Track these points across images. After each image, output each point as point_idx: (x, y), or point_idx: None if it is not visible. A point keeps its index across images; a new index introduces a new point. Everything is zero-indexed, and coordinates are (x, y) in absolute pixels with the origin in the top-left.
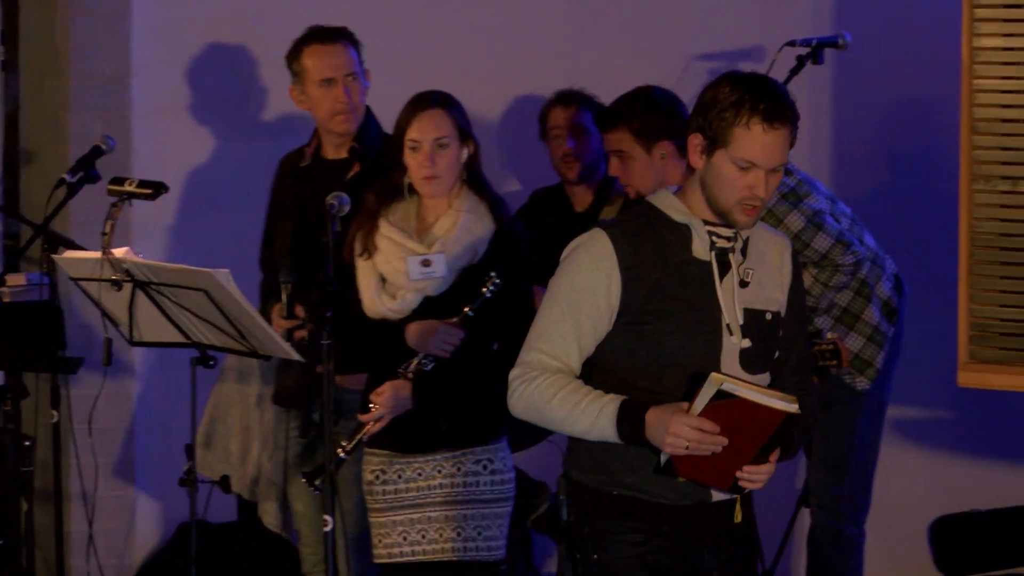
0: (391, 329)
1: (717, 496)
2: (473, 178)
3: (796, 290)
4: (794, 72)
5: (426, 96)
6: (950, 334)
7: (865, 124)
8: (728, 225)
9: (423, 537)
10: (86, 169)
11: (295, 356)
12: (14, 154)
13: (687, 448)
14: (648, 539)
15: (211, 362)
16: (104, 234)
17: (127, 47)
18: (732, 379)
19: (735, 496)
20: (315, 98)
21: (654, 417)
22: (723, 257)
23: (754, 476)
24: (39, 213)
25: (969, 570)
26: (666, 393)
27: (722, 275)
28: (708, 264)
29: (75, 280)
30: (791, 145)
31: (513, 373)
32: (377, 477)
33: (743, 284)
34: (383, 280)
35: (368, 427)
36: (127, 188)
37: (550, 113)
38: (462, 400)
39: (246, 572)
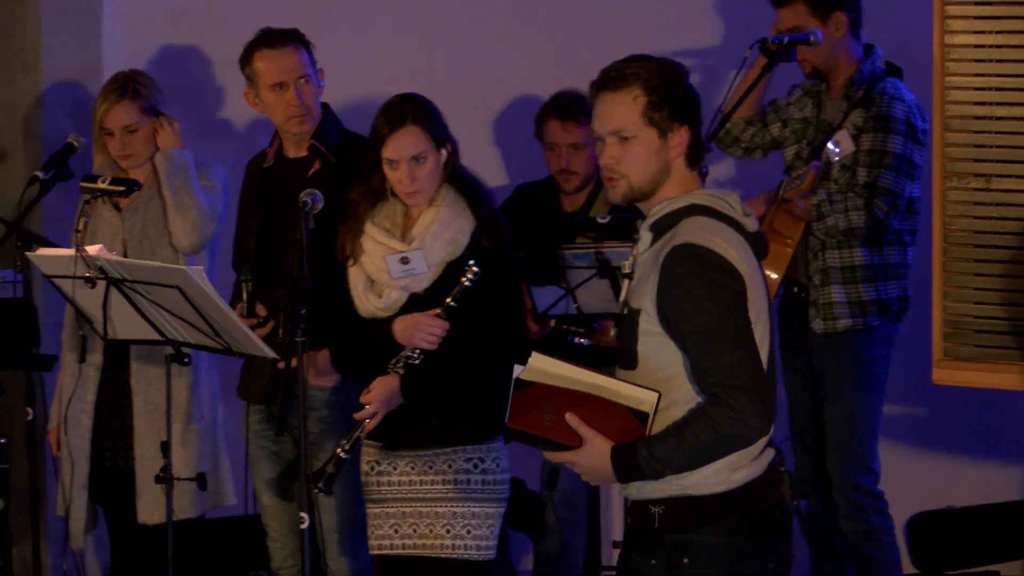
0: (382, 327)
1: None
2: (453, 174)
3: (669, 297)
4: (766, 69)
5: (398, 110)
6: (924, 331)
7: None
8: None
9: (414, 531)
10: (59, 166)
11: (270, 354)
12: None
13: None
14: None
15: (185, 359)
16: (77, 231)
17: (98, 44)
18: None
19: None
20: (268, 102)
21: None
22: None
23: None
24: (11, 210)
25: (945, 566)
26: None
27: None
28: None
29: (49, 277)
30: (649, 111)
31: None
32: (372, 468)
33: (628, 276)
34: (371, 280)
35: (363, 425)
36: (100, 185)
37: (547, 124)
38: (452, 393)
39: (222, 568)
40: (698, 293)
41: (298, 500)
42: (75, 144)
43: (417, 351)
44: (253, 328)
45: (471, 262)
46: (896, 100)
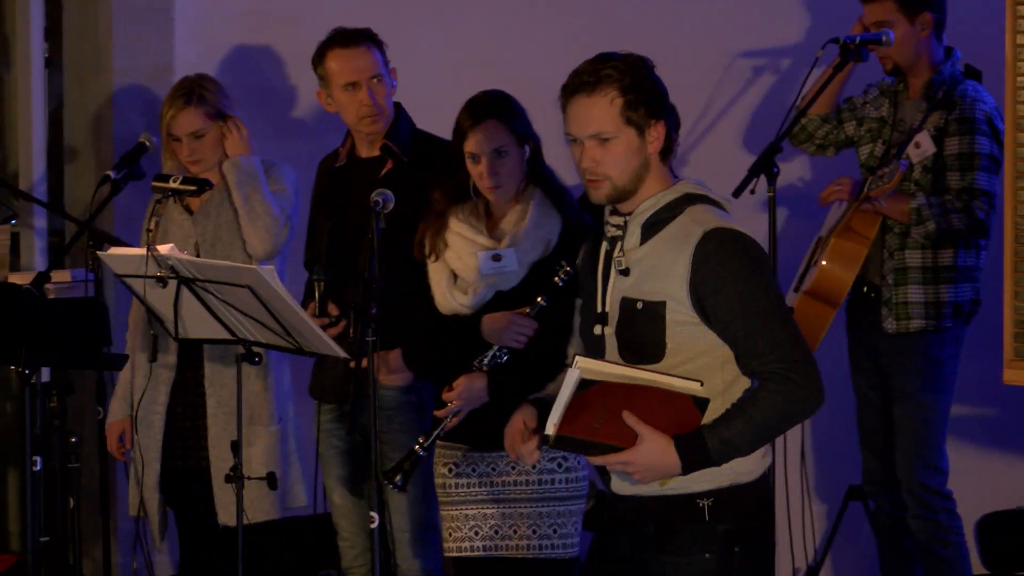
0: (463, 324)
1: (617, 488)
2: (537, 173)
3: (706, 283)
4: (837, 69)
5: (481, 104)
6: (995, 331)
7: None
8: (623, 212)
9: (496, 533)
10: (130, 166)
11: (341, 353)
12: (58, 151)
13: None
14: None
15: (256, 358)
16: (148, 231)
17: (170, 44)
18: (609, 364)
19: (637, 494)
20: (340, 102)
21: None
22: (614, 245)
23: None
24: (83, 210)
25: (1016, 567)
26: None
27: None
28: (605, 252)
29: (120, 277)
30: (627, 112)
31: None
32: (450, 471)
33: (623, 272)
34: (454, 276)
35: (446, 423)
36: (171, 185)
37: None
38: (536, 392)
39: (292, 567)
40: (745, 275)
41: (368, 499)
42: (146, 144)
43: (504, 350)
44: (325, 328)
45: (563, 262)
46: (978, 102)
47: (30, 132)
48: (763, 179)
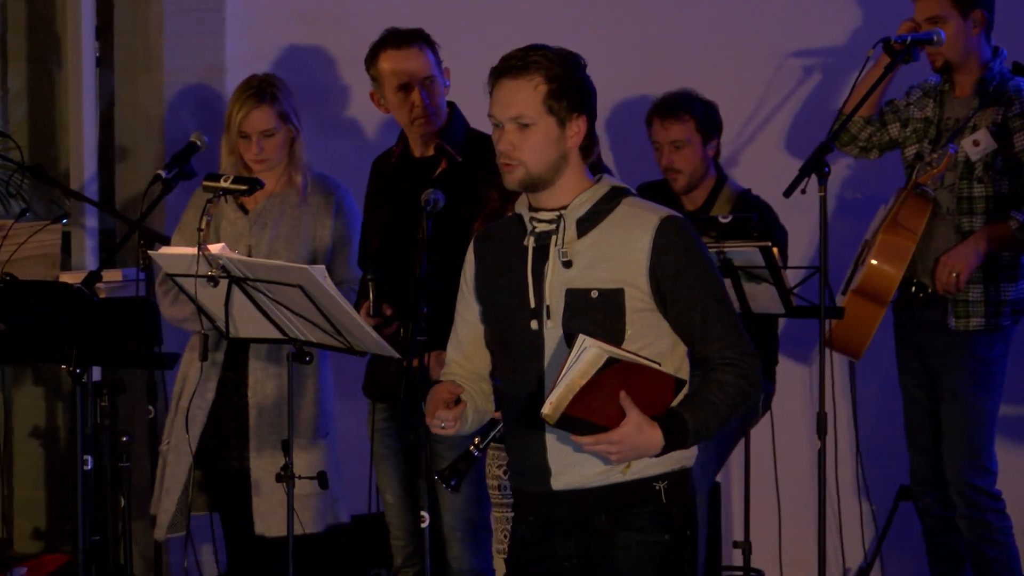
0: None
1: (558, 485)
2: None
3: (667, 268)
4: (889, 69)
5: None
6: None
7: None
8: (549, 207)
9: None
10: (181, 165)
11: (392, 353)
12: (109, 150)
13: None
14: (515, 527)
15: (307, 358)
16: (200, 230)
17: (221, 43)
18: (612, 347)
19: (584, 487)
20: (393, 103)
21: None
22: (545, 240)
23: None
24: (134, 209)
25: None
26: (518, 376)
27: (546, 258)
28: (534, 249)
29: (171, 276)
30: (550, 100)
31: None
32: (505, 472)
33: (566, 264)
34: None
35: (501, 425)
36: (222, 184)
37: (652, 124)
38: None
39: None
40: (703, 262)
41: (420, 498)
42: (198, 143)
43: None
44: (379, 328)
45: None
46: None
47: (81, 131)
48: (814, 179)
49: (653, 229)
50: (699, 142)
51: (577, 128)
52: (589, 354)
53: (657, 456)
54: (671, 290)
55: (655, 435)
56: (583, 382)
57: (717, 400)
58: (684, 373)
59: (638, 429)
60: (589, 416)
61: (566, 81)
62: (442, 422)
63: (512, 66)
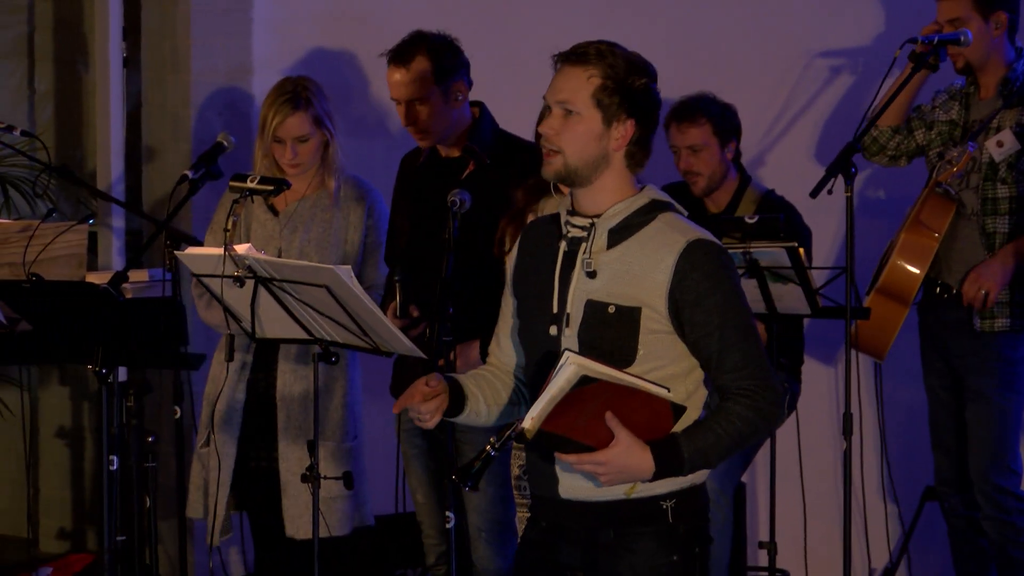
0: None
1: (566, 493)
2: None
3: (687, 293)
4: (915, 70)
5: None
6: None
7: None
8: (586, 212)
9: None
10: (208, 165)
11: (418, 353)
12: (136, 151)
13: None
14: (528, 527)
15: (333, 358)
16: (226, 230)
17: (248, 43)
18: (592, 361)
19: (590, 499)
20: (399, 114)
21: None
22: (576, 247)
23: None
24: (161, 209)
25: None
26: (534, 379)
27: (574, 265)
28: (564, 253)
29: (197, 276)
30: (600, 94)
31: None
32: (525, 472)
33: (590, 275)
34: None
35: (517, 423)
36: (249, 184)
37: (669, 128)
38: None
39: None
40: (726, 288)
41: (445, 498)
42: (225, 144)
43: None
44: (406, 328)
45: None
46: None
47: (108, 132)
48: (839, 179)
49: (679, 252)
50: (717, 145)
51: (624, 131)
52: (567, 371)
53: (649, 481)
54: (690, 315)
55: (645, 459)
56: (558, 398)
57: (721, 431)
58: (698, 398)
59: (627, 451)
60: (570, 434)
61: (623, 82)
62: (420, 414)
63: (575, 53)
